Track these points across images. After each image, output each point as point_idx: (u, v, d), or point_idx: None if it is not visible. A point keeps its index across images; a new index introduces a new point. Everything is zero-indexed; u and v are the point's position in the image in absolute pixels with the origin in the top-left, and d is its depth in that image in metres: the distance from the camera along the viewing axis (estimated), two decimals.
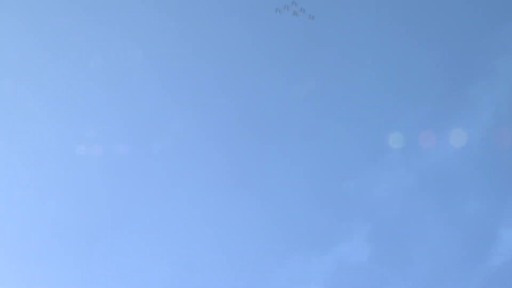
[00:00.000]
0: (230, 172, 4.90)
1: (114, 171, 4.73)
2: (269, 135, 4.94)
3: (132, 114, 4.75)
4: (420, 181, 4.92)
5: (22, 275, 4.39)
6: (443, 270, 4.85)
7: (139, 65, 4.75)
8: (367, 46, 4.99)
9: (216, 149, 4.91)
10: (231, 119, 4.95)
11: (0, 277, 4.25)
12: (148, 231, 4.78)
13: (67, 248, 4.57)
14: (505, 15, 4.96)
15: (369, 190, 4.96)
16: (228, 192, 4.87)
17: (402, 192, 4.94)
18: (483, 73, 4.92)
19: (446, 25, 4.98)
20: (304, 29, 5.01)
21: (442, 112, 4.96)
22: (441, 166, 4.92)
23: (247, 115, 4.97)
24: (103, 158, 4.60)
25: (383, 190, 4.96)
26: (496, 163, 4.84)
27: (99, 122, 4.55)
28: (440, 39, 4.96)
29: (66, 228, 4.59)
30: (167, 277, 4.75)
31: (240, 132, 4.92)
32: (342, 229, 4.90)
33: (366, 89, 5.01)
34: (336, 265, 4.87)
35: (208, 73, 4.99)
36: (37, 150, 4.54)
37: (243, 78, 4.99)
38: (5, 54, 4.46)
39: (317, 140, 4.95)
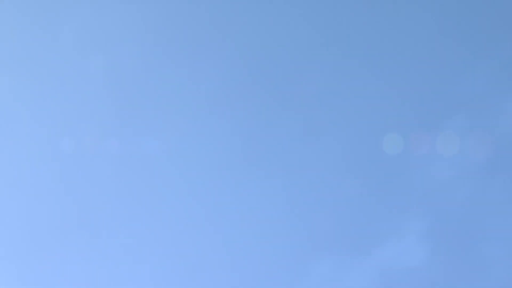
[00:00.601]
0: (241, 151, 3.83)
1: (107, 155, 3.85)
2: (291, 100, 3.82)
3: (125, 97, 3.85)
4: (494, 159, 3.70)
5: (7, 274, 3.81)
6: None
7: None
8: None
9: (222, 118, 3.85)
10: (240, 81, 3.87)
11: None
12: (146, 233, 3.87)
13: (59, 248, 3.85)
14: None
15: (426, 171, 3.74)
16: (240, 179, 3.81)
17: (470, 173, 3.72)
18: None
19: None
20: None
21: None
22: None
23: (261, 72, 3.85)
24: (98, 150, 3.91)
25: (444, 171, 3.73)
26: None
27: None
28: None
29: (59, 228, 3.85)
30: (169, 284, 3.79)
31: (253, 96, 3.84)
32: (389, 223, 3.73)
33: (421, 37, 3.80)
34: (381, 272, 3.72)
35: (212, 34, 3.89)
36: (24, 145, 3.89)
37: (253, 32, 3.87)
38: None
39: (354, 104, 3.79)
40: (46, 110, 3.87)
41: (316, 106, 3.84)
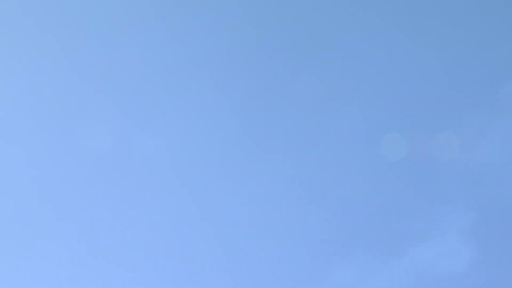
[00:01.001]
0: (257, 144, 3.41)
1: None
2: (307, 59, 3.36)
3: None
4: None
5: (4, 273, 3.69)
6: None
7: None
8: None
9: (226, 111, 3.47)
10: (240, 77, 3.52)
11: None
12: (147, 231, 3.55)
13: (57, 247, 3.61)
14: None
15: (470, 154, 3.29)
16: (252, 174, 3.40)
17: None
18: None
19: None
20: None
21: None
22: None
23: (261, 70, 3.49)
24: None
25: (493, 153, 3.28)
26: None
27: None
28: None
29: (57, 227, 3.63)
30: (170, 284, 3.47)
31: (256, 91, 3.48)
32: (426, 218, 3.29)
33: None
34: (416, 277, 3.27)
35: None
36: (22, 144, 3.73)
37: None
38: None
39: (391, 80, 3.37)
40: (45, 108, 3.70)
41: (343, 88, 3.35)
